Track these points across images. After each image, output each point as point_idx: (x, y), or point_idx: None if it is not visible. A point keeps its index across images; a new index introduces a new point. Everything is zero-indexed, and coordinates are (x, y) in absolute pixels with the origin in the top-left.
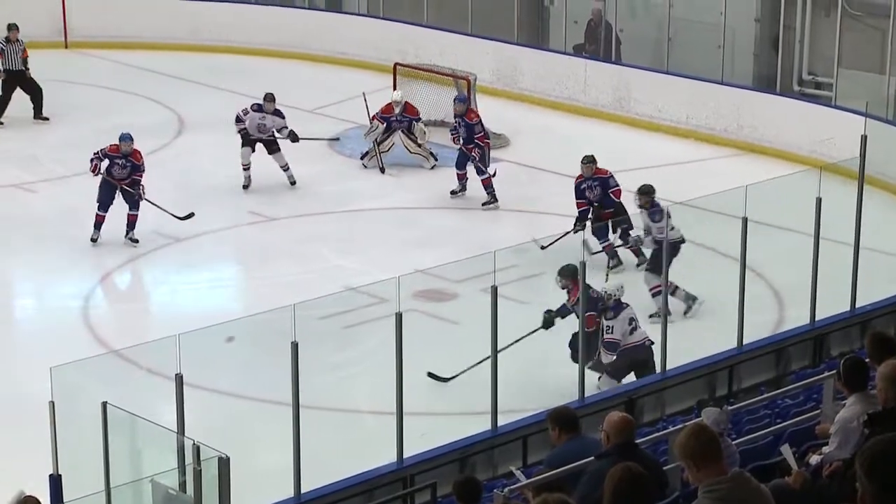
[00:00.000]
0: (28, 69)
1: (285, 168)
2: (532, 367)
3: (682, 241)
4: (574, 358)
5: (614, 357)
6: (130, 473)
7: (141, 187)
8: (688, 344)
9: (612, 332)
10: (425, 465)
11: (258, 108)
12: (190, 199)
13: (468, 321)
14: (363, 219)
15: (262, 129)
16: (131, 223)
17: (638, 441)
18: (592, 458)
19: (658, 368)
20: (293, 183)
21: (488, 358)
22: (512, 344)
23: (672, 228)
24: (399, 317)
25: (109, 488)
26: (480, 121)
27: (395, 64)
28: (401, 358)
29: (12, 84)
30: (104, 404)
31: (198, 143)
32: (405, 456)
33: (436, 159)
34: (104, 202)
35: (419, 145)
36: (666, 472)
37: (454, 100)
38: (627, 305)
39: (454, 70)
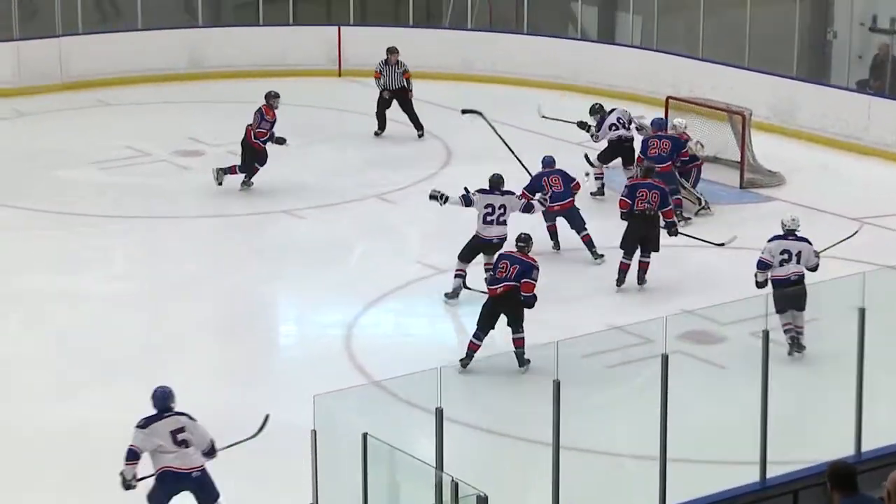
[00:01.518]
0: (410, 90)
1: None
2: (805, 414)
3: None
4: None
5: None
6: None
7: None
8: None
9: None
10: None
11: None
12: (451, 232)
13: (736, 366)
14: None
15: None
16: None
17: None
18: None
19: None
20: None
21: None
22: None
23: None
24: (665, 358)
25: None
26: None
27: (668, 97)
28: (665, 401)
29: (390, 101)
30: (365, 435)
31: (464, 174)
32: (667, 503)
33: (707, 207)
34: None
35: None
36: None
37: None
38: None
39: (728, 105)
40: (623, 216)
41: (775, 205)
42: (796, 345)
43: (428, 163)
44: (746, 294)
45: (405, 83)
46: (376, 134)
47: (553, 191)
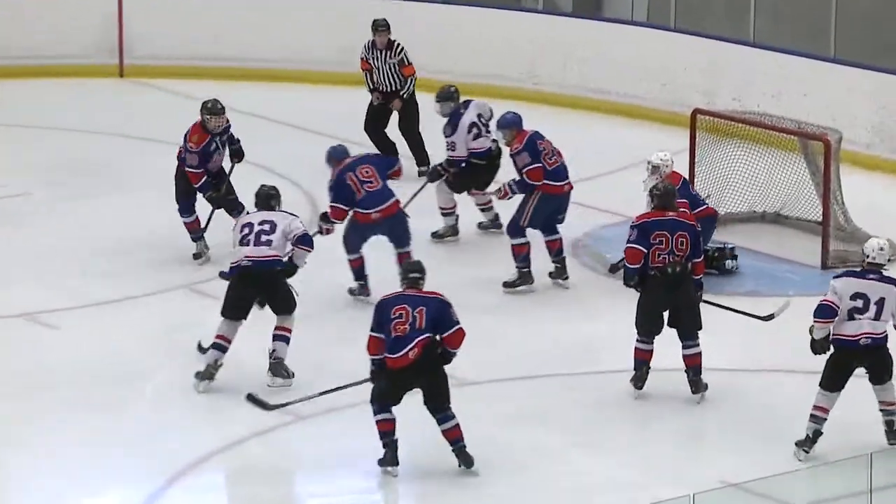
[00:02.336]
0: (407, 94)
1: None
2: None
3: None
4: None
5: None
6: None
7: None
8: None
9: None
10: None
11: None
12: (311, 349)
13: None
14: (614, 383)
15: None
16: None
17: None
18: None
19: None
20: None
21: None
22: None
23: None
24: None
25: None
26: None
27: (695, 111)
28: None
29: (383, 109)
30: None
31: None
32: None
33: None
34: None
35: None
36: None
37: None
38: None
39: (800, 124)
40: (629, 279)
41: None
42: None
43: None
44: (836, 449)
45: (401, 82)
46: None
47: (367, 190)
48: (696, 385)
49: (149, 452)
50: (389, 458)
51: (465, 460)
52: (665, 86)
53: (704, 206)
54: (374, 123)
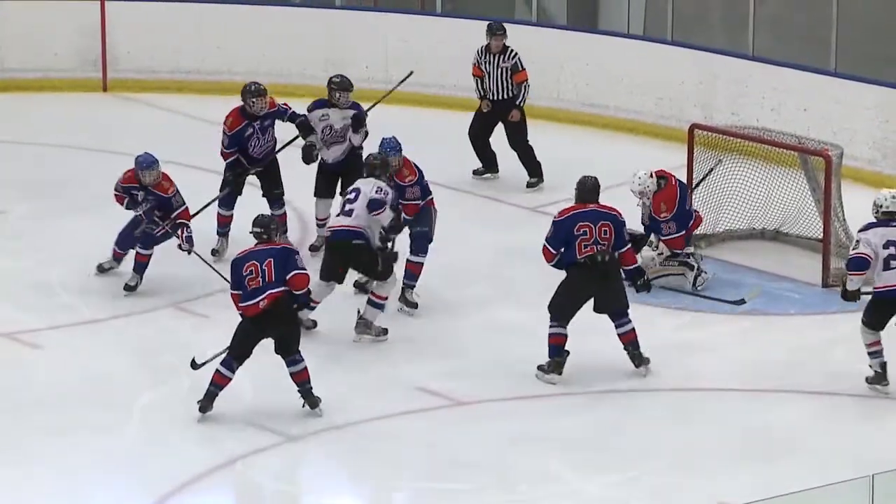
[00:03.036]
0: (521, 103)
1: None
2: None
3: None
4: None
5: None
6: None
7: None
8: None
9: None
10: None
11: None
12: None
13: None
14: (611, 402)
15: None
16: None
17: None
18: None
19: None
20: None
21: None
22: None
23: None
24: None
25: None
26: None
27: (692, 126)
28: None
29: (492, 119)
30: None
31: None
32: None
33: (701, 272)
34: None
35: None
36: None
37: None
38: None
39: (800, 139)
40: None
41: None
42: None
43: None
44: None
45: (511, 88)
46: (476, 174)
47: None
48: (638, 359)
49: (137, 474)
50: (206, 405)
51: (311, 402)
52: (661, 100)
53: (690, 224)
54: (481, 132)
